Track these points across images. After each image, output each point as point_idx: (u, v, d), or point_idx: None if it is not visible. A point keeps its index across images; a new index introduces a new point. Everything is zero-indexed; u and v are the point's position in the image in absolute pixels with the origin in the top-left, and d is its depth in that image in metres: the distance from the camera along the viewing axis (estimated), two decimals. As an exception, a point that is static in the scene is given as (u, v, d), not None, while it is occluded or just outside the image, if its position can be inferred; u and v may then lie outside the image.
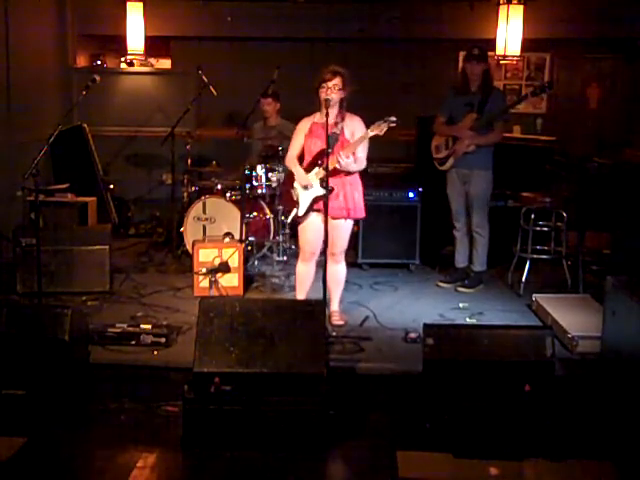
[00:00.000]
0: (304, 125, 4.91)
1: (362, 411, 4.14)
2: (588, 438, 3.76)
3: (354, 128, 4.78)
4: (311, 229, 4.89)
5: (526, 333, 3.95)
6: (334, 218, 4.77)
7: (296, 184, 4.88)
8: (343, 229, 4.88)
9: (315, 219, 4.85)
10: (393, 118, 4.58)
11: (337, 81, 4.68)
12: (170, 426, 3.94)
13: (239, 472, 3.58)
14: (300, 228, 4.99)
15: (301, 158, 4.94)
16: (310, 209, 4.84)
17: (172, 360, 4.34)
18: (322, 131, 4.71)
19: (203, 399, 3.71)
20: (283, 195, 5.10)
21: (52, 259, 5.39)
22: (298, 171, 4.87)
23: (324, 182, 4.64)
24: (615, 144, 8.29)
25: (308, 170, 4.84)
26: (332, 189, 4.63)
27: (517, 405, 3.70)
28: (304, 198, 4.84)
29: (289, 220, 5.10)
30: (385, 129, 4.59)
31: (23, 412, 3.89)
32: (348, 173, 4.78)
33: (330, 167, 4.56)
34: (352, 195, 4.82)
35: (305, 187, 4.80)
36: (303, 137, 4.88)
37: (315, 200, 4.80)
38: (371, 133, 4.62)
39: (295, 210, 4.88)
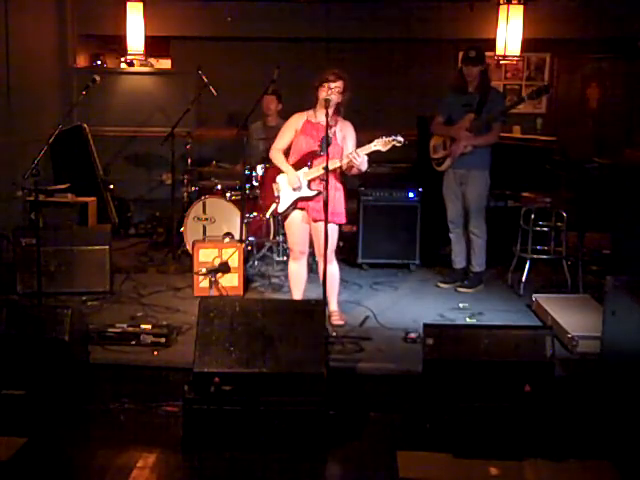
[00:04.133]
0: (296, 121, 4.85)
1: (362, 411, 4.14)
2: (588, 438, 3.76)
3: (346, 133, 4.78)
4: (296, 228, 4.87)
5: (526, 333, 3.95)
6: (316, 220, 4.73)
7: (279, 179, 4.82)
8: (329, 231, 4.81)
9: (298, 218, 4.83)
10: (400, 138, 4.58)
11: (339, 84, 4.66)
12: (170, 426, 3.95)
13: (239, 472, 3.58)
14: (286, 228, 4.98)
15: (285, 154, 4.88)
16: (292, 207, 4.80)
17: (172, 360, 4.34)
18: (316, 131, 4.71)
19: (203, 399, 3.71)
20: (263, 189, 5.04)
21: (52, 259, 5.39)
22: (289, 170, 4.77)
23: (310, 183, 4.64)
24: (615, 144, 8.30)
25: (296, 168, 4.78)
26: (320, 192, 4.60)
27: (517, 405, 3.70)
28: (286, 195, 4.79)
29: (267, 215, 5.05)
30: (389, 147, 4.58)
31: (23, 412, 3.90)
32: (335, 178, 4.74)
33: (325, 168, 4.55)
34: (335, 198, 4.75)
35: (295, 189, 4.73)
36: (293, 132, 4.83)
37: (300, 199, 4.77)
38: (374, 148, 4.60)
39: (274, 205, 4.83)
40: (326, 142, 4.50)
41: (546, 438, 3.66)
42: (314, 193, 4.69)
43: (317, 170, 4.64)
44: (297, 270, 4.99)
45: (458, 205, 5.77)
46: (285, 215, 4.89)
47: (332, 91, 4.64)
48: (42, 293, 4.67)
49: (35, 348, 3.98)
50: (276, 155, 4.87)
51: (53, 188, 6.69)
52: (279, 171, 4.87)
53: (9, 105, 6.70)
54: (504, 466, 3.59)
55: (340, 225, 4.95)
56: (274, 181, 4.87)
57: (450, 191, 5.78)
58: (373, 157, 4.73)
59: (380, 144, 4.59)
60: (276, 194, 4.83)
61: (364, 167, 4.70)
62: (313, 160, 4.71)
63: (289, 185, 4.77)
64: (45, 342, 3.99)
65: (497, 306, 5.41)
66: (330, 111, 4.63)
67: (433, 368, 3.80)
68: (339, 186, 4.83)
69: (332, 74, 4.68)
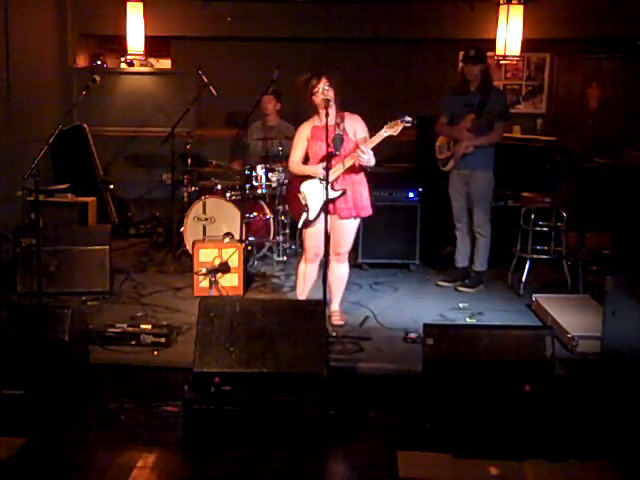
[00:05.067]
0: (305, 130, 4.87)
1: (362, 411, 4.14)
2: (588, 438, 3.76)
3: (355, 127, 4.77)
4: (316, 231, 4.81)
5: (526, 333, 3.96)
6: (342, 218, 4.76)
7: (303, 188, 4.80)
8: (351, 229, 4.85)
9: (320, 221, 4.83)
10: (408, 118, 4.53)
11: (325, 81, 4.66)
12: (170, 426, 3.95)
13: (239, 472, 3.59)
14: (308, 231, 4.91)
15: (304, 163, 4.89)
16: (321, 212, 4.76)
17: (172, 360, 4.34)
18: (325, 134, 4.69)
19: (203, 399, 3.71)
20: (291, 200, 5.01)
21: (52, 259, 5.38)
22: (310, 168, 4.78)
23: (333, 184, 4.63)
24: (615, 144, 8.30)
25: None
26: (344, 191, 4.66)
27: (517, 405, 3.71)
28: (313, 201, 4.77)
29: (300, 225, 4.93)
30: (400, 129, 4.55)
31: (23, 412, 3.90)
32: (356, 172, 4.75)
33: (346, 166, 4.61)
34: (360, 194, 4.80)
35: (322, 179, 4.63)
36: (305, 141, 4.85)
37: (326, 203, 4.76)
38: (385, 134, 4.56)
39: (305, 214, 4.79)
40: (327, 142, 4.47)
41: (546, 438, 3.67)
42: (339, 193, 4.68)
43: (337, 170, 4.64)
44: (309, 272, 4.96)
45: (463, 204, 5.78)
46: (313, 224, 4.81)
47: (325, 90, 4.64)
48: (42, 293, 4.66)
49: (35, 348, 3.98)
50: (295, 166, 4.88)
51: (53, 188, 6.68)
52: (301, 181, 4.85)
53: (9, 105, 6.69)
54: (504, 466, 3.59)
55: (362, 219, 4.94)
56: (298, 191, 4.83)
57: (455, 191, 5.80)
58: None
59: (389, 129, 4.54)
60: (303, 202, 4.79)
61: (372, 162, 4.66)
62: (330, 161, 4.68)
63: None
64: (45, 342, 3.99)
65: (497, 306, 5.41)
66: (332, 110, 4.63)
67: (433, 368, 3.80)
68: (361, 180, 4.81)
69: (313, 77, 4.68)
